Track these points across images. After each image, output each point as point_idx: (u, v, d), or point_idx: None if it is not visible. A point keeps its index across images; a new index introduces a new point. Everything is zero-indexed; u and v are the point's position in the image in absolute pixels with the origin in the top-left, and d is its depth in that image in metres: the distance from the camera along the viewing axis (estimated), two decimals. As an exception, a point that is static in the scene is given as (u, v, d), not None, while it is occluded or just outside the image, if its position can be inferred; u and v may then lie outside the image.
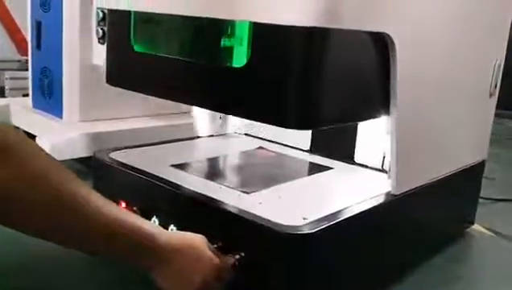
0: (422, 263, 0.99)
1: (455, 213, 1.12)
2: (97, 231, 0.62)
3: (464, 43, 0.95)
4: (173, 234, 0.74)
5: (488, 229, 1.22)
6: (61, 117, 1.43)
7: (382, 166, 0.98)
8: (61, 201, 0.59)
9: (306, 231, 0.69)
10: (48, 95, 1.47)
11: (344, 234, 0.76)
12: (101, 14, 1.35)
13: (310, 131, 1.13)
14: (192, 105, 0.98)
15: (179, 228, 0.80)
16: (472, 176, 1.14)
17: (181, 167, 0.93)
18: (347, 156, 1.06)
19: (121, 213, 0.65)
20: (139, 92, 0.86)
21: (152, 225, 0.68)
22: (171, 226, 0.81)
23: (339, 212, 0.77)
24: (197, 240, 0.70)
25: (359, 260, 0.81)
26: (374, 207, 0.82)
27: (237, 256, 0.72)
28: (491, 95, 1.10)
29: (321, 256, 0.72)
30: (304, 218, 0.73)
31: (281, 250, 0.70)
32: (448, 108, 0.96)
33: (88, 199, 0.62)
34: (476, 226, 1.21)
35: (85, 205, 0.61)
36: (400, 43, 0.75)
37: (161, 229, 0.70)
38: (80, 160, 1.31)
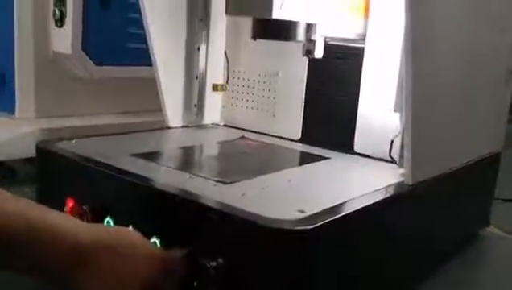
0: (437, 268, 0.83)
1: (471, 211, 0.96)
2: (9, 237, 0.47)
3: (481, 21, 0.82)
4: (103, 230, 0.57)
5: (503, 230, 1.07)
6: (14, 113, 1.24)
7: (390, 153, 0.81)
8: None
9: (305, 226, 0.52)
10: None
11: (351, 229, 0.60)
12: (57, -8, 1.19)
13: (301, 119, 0.97)
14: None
15: (139, 230, 0.62)
16: (488, 168, 0.99)
17: (144, 156, 0.75)
18: (345, 146, 0.89)
19: (35, 210, 0.50)
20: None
21: (74, 221, 0.53)
22: (130, 228, 0.63)
23: (344, 203, 0.61)
24: (134, 234, 0.57)
25: (369, 261, 0.65)
26: (386, 198, 0.67)
27: (213, 263, 0.54)
28: (507, 81, 0.95)
29: (323, 257, 0.56)
30: (301, 211, 0.56)
31: (274, 250, 0.53)
32: (465, 84, 0.82)
33: None
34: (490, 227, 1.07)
35: None
36: None
37: (87, 225, 0.55)
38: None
